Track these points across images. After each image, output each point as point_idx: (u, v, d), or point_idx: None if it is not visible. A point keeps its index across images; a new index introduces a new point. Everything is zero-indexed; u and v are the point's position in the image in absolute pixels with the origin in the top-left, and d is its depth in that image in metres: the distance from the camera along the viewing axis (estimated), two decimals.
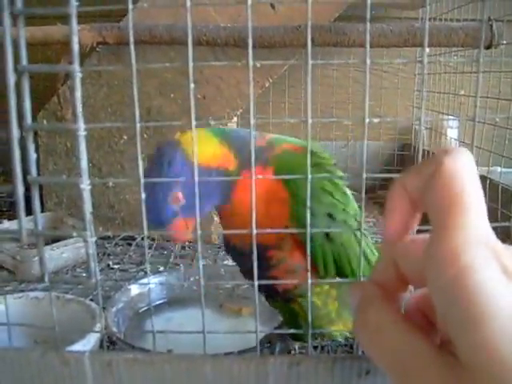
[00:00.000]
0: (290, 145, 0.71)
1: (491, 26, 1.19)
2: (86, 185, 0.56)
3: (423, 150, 1.80)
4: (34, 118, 1.45)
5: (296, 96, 1.98)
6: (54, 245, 1.24)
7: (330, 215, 0.67)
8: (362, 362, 0.51)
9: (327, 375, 0.51)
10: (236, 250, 0.74)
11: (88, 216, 0.56)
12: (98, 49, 1.35)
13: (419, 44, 1.17)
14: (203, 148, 0.64)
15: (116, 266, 1.28)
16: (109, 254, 1.35)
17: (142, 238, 1.45)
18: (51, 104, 1.42)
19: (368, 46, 0.50)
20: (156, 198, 0.62)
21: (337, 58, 1.98)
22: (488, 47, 1.18)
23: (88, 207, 0.56)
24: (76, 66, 0.48)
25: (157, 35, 1.20)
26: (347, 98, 2.00)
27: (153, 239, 1.44)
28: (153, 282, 1.02)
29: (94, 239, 0.57)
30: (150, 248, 1.39)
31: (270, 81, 1.36)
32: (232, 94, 1.36)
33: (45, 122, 1.45)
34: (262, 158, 0.66)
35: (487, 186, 1.21)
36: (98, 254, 1.35)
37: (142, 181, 0.50)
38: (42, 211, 1.48)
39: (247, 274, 0.75)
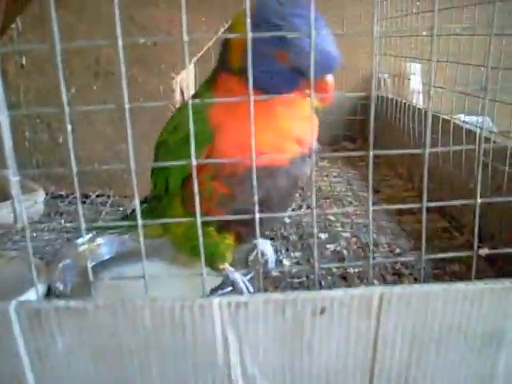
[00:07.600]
0: None
1: None
2: (3, 115, 0.50)
3: (387, 98, 1.76)
4: None
5: None
6: (0, 204, 1.16)
7: None
8: (316, 300, 0.47)
9: (278, 315, 0.47)
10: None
11: (8, 151, 0.50)
12: None
13: None
14: None
15: (68, 225, 1.21)
16: (61, 213, 1.29)
17: (97, 196, 1.38)
18: None
19: None
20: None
21: None
22: None
23: (8, 141, 0.50)
24: None
25: None
26: None
27: (108, 196, 1.38)
28: (104, 236, 0.97)
29: (17, 178, 0.51)
30: (104, 205, 1.33)
31: (225, 25, 1.28)
32: None
33: None
34: None
35: (451, 128, 1.19)
36: (49, 214, 1.28)
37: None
38: None
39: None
